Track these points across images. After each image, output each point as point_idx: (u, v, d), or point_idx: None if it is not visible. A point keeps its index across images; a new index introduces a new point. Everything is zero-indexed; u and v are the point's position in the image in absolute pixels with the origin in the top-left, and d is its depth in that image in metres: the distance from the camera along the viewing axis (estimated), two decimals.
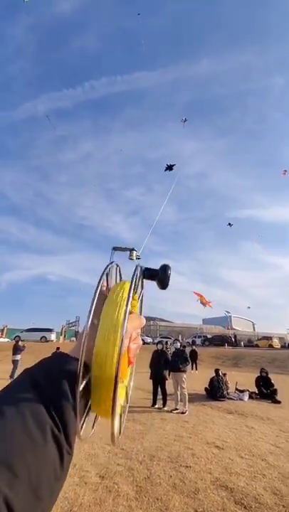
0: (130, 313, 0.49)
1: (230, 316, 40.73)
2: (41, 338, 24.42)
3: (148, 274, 0.54)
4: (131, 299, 0.41)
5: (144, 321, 0.51)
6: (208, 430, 5.12)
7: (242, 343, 29.16)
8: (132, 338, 0.47)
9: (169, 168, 9.84)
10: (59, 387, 0.35)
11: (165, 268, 0.54)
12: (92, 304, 0.40)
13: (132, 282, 0.45)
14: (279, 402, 7.63)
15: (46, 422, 0.31)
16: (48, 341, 23.68)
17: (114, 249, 0.55)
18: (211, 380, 8.09)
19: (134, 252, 0.56)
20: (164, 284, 0.54)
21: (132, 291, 0.43)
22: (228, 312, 41.19)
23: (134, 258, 0.57)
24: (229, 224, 18.79)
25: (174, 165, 9.95)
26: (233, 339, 31.35)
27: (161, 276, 0.54)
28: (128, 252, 0.57)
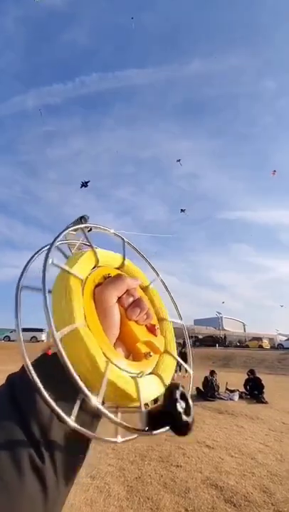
0: (108, 277, 0.42)
1: (221, 317, 41.10)
2: (31, 338, 24.12)
3: (156, 424, 0.32)
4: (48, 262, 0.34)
5: (128, 280, 0.40)
6: (198, 430, 5.15)
7: (221, 342, 29.34)
8: (124, 304, 0.38)
9: (84, 185, 10.06)
10: (32, 394, 0.28)
11: (171, 403, 0.31)
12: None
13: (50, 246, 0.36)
14: (266, 403, 7.72)
15: (22, 452, 0.26)
16: (38, 341, 23.47)
17: (66, 229, 0.42)
18: (206, 380, 8.14)
19: (85, 219, 0.44)
20: (181, 429, 0.31)
21: (49, 253, 0.35)
22: (219, 313, 41.57)
23: (83, 228, 0.44)
24: (182, 210, 18.62)
25: (88, 181, 10.12)
26: (223, 339, 31.70)
27: (173, 421, 0.31)
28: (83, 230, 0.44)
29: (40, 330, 25.36)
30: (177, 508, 2.73)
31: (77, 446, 0.31)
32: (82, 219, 0.45)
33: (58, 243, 0.38)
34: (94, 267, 0.42)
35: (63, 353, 0.29)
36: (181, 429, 0.31)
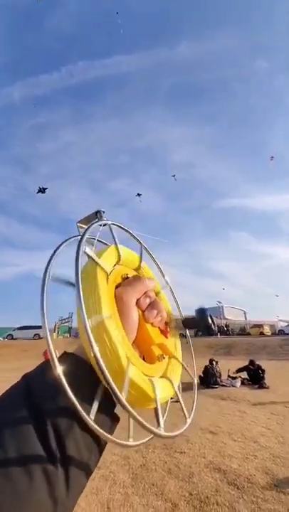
0: (126, 278, 0.42)
1: (222, 306, 41.35)
2: (34, 335, 24.30)
3: (186, 324, 0.45)
4: (80, 259, 0.34)
5: (147, 282, 0.41)
6: (202, 417, 5.22)
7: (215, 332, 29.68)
8: (142, 306, 0.39)
9: (41, 190, 10.18)
10: (53, 397, 0.28)
11: (202, 312, 0.43)
12: (44, 291, 0.32)
13: (80, 240, 0.36)
14: (267, 388, 7.82)
15: (36, 460, 0.25)
16: (41, 338, 23.64)
17: (79, 222, 0.45)
18: (206, 368, 8.25)
19: (100, 214, 0.44)
20: (208, 328, 0.43)
21: (80, 249, 0.34)
22: (219, 302, 41.81)
23: (101, 222, 0.44)
24: (138, 194, 18.10)
25: (46, 188, 10.32)
26: (225, 328, 31.98)
27: (199, 323, 0.43)
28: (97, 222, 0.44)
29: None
30: (182, 493, 2.78)
31: (92, 452, 0.31)
32: (97, 213, 0.45)
33: (71, 239, 0.38)
34: (115, 264, 0.42)
35: (97, 351, 0.29)
36: (210, 330, 0.43)
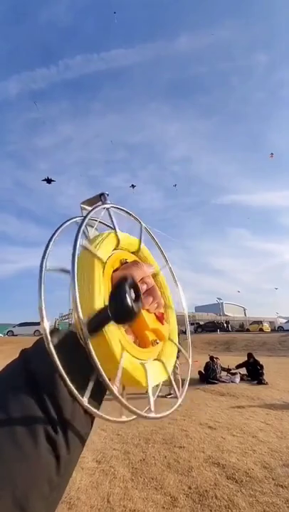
0: (125, 262, 0.42)
1: (221, 303, 41.49)
2: (35, 332, 24.39)
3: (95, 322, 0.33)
4: (80, 241, 0.34)
5: (144, 268, 0.40)
6: (201, 412, 5.28)
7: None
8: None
9: (47, 180, 10.33)
10: (47, 368, 0.30)
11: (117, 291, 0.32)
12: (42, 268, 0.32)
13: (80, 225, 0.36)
14: (266, 383, 7.88)
15: (38, 425, 0.28)
16: (41, 335, 23.67)
17: (83, 203, 0.44)
18: (207, 365, 8.31)
19: (104, 197, 0.43)
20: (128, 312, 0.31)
21: (80, 231, 0.35)
22: (219, 299, 41.96)
23: (104, 206, 0.43)
24: (132, 186, 18.49)
25: (53, 180, 10.61)
26: (225, 325, 32.11)
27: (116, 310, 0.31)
28: (101, 205, 0.43)
29: None
30: (181, 486, 2.82)
31: (85, 421, 0.33)
32: (101, 196, 0.44)
33: (75, 219, 0.38)
34: (113, 249, 0.42)
35: (89, 341, 0.30)
36: (124, 313, 0.31)
